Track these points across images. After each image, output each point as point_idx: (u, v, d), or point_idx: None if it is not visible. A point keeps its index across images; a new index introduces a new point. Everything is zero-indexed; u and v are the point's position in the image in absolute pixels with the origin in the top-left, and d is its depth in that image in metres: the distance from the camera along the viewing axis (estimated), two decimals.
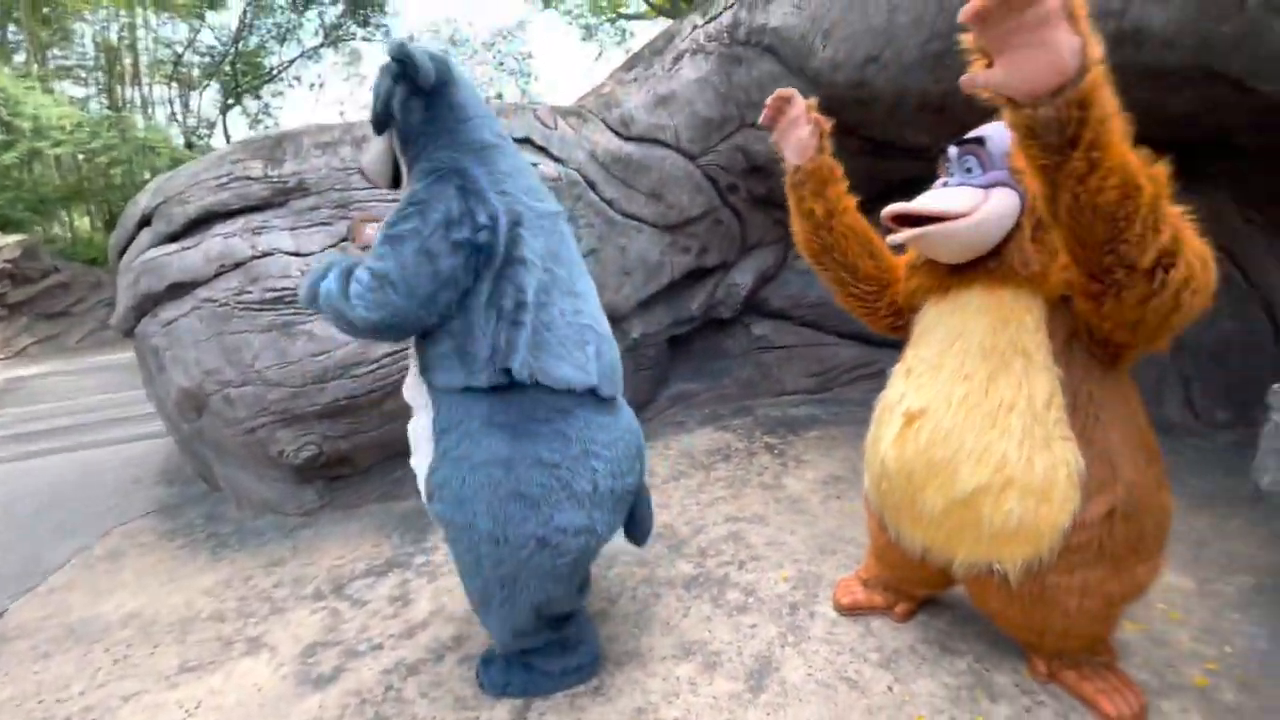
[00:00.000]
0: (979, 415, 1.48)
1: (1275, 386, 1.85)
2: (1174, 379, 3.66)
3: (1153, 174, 1.13)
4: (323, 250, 2.85)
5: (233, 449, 3.10)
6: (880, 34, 3.30)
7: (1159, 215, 1.14)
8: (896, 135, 3.90)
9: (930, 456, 1.53)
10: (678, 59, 3.95)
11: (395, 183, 1.80)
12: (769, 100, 1.77)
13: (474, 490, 1.54)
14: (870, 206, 5.20)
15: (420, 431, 1.71)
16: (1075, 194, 1.14)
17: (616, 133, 3.84)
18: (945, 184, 1.56)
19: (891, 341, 5.26)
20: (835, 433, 4.01)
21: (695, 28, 4.00)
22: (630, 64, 4.21)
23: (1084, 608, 1.56)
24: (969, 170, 1.52)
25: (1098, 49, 1.02)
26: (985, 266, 1.52)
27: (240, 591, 2.59)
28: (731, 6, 3.83)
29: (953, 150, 1.57)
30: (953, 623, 2.07)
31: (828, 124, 1.81)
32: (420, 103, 1.64)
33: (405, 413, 3.17)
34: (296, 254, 2.83)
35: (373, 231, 2.88)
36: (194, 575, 2.75)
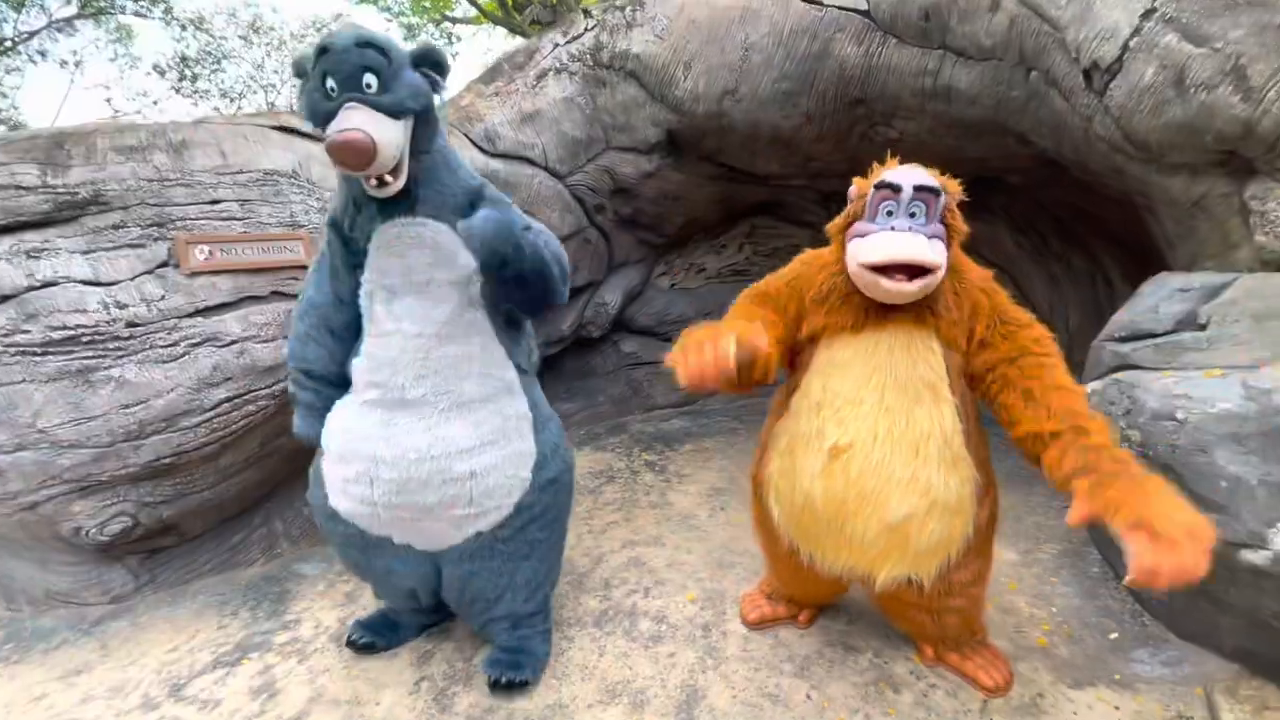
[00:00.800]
0: (904, 445, 1.60)
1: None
2: None
3: None
4: (134, 279, 2.34)
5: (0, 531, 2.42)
6: (735, 70, 3.52)
7: None
8: (748, 164, 4.19)
9: (861, 487, 1.62)
10: (541, 76, 3.87)
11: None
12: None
13: (564, 437, 2.13)
14: (722, 229, 5.47)
15: (511, 415, 1.93)
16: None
17: (481, 149, 3.65)
18: (891, 226, 1.52)
19: None
20: (708, 444, 4.18)
21: (556, 46, 3.95)
22: (489, 77, 4.03)
23: (975, 591, 1.82)
24: (914, 215, 1.53)
25: None
26: (903, 308, 1.62)
27: (30, 718, 2.02)
28: (593, 29, 3.85)
29: (907, 190, 1.53)
30: (849, 622, 2.25)
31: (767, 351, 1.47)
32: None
33: (246, 466, 2.75)
34: (95, 283, 2.28)
35: (201, 255, 2.43)
36: None
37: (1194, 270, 2.32)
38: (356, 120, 1.54)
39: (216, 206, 2.47)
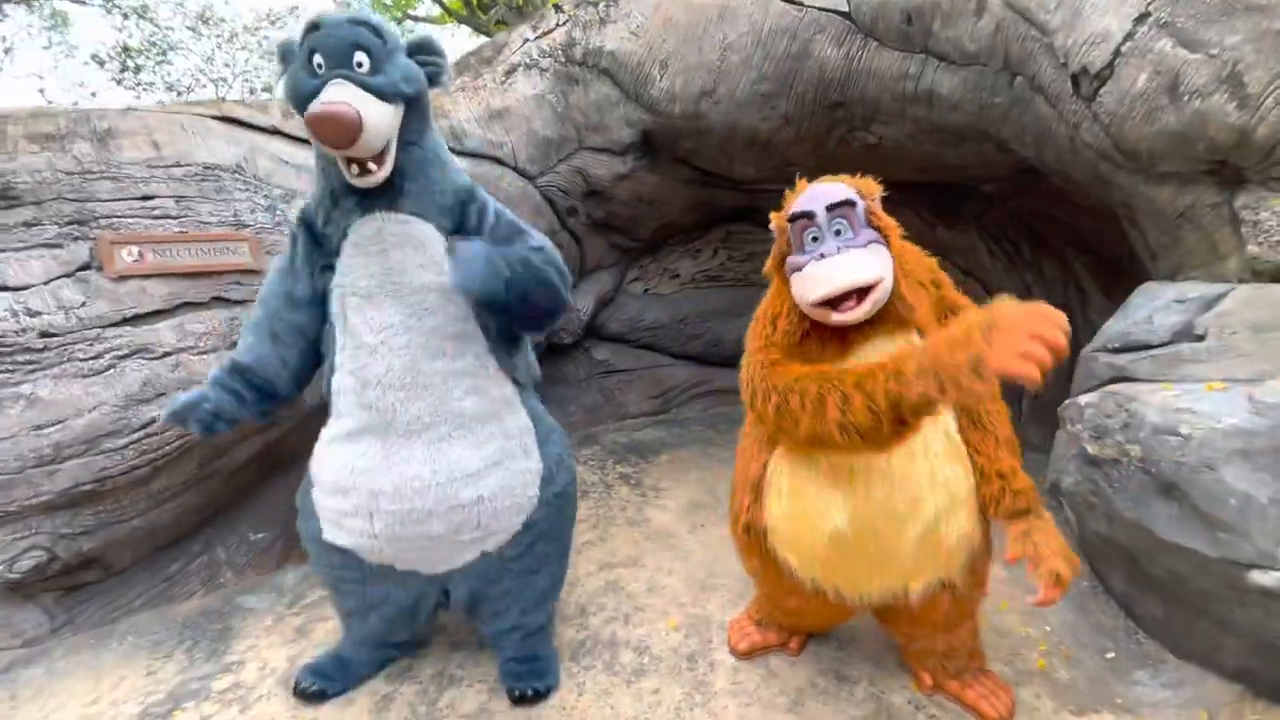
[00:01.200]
0: (917, 448, 1.52)
1: (1067, 401, 2.22)
2: None
3: None
4: (48, 283, 2.07)
5: None
6: (713, 70, 3.41)
7: None
8: (725, 167, 4.09)
9: (891, 506, 1.52)
10: (510, 72, 3.70)
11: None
12: None
13: (567, 446, 2.05)
14: (696, 234, 5.36)
15: (514, 431, 1.84)
16: None
17: (447, 146, 3.45)
18: (821, 253, 1.48)
19: (720, 361, 5.44)
20: (684, 455, 4.05)
21: (526, 41, 3.78)
22: (455, 72, 3.84)
23: (984, 588, 1.75)
24: (839, 232, 1.49)
25: None
26: (878, 316, 1.55)
27: None
28: (565, 25, 3.70)
29: (820, 214, 1.50)
30: (840, 648, 2.13)
31: None
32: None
33: (183, 490, 2.49)
34: (3, 287, 2.01)
35: (130, 257, 2.18)
36: None
37: (1178, 280, 2.29)
38: (340, 94, 1.42)
39: (148, 203, 2.23)
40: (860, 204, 1.52)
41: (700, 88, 3.45)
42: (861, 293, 1.45)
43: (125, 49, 12.68)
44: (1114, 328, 2.17)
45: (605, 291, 4.62)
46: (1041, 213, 3.88)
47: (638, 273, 4.86)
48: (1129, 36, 2.03)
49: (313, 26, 1.52)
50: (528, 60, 3.69)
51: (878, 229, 1.53)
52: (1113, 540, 2.03)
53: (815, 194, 1.55)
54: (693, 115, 3.55)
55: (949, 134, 3.21)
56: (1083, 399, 2.11)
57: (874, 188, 1.60)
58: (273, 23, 15.37)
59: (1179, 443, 1.71)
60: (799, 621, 2.04)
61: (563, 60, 3.66)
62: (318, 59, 1.50)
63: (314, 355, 1.84)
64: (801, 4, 3.16)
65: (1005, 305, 1.20)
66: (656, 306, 4.87)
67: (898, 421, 1.33)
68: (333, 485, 1.75)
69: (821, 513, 1.58)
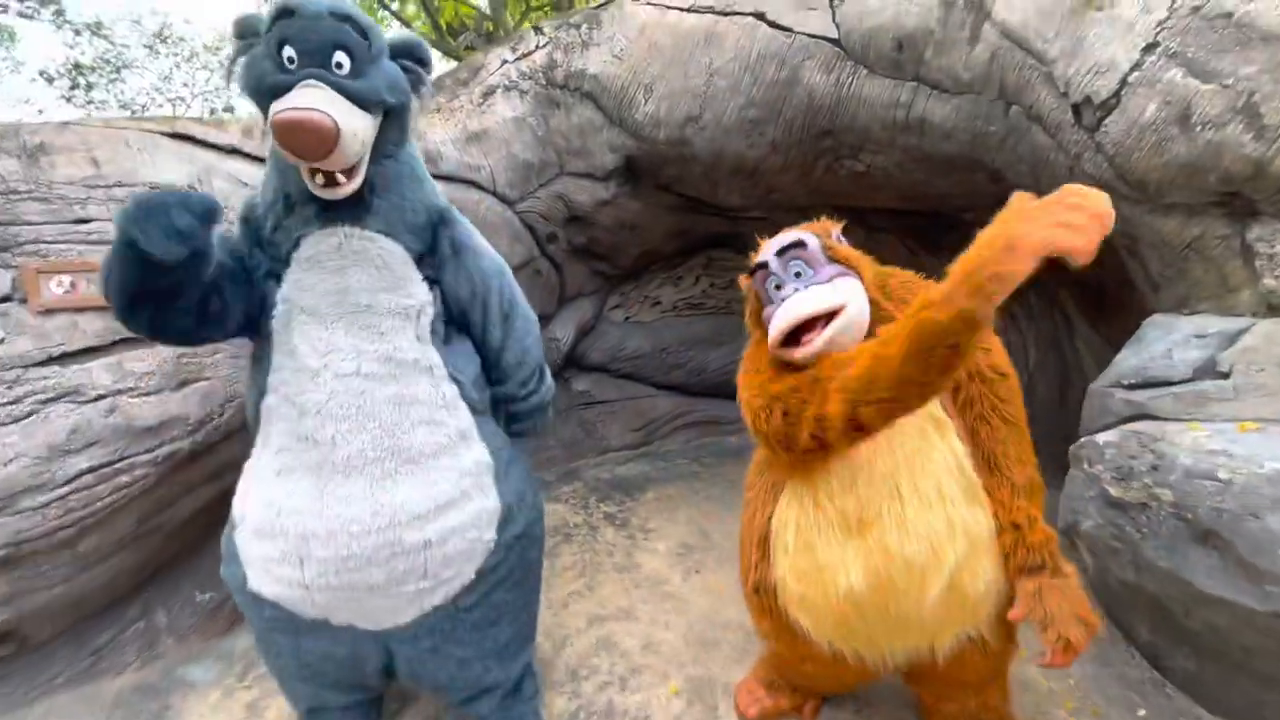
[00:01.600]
0: (930, 490, 1.40)
1: (1083, 439, 2.13)
2: None
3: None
4: None
5: None
6: (700, 96, 3.33)
7: None
8: (709, 194, 4.00)
9: (907, 557, 1.38)
10: (488, 94, 3.55)
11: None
12: None
13: (530, 480, 1.87)
14: (678, 261, 5.24)
15: (469, 468, 1.63)
16: None
17: None
18: (784, 297, 1.49)
19: (703, 391, 5.26)
20: (670, 491, 3.87)
21: (505, 62, 3.65)
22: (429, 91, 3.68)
23: (1014, 641, 1.64)
24: (799, 275, 1.51)
25: None
26: None
27: None
28: (545, 46, 3.58)
29: (774, 261, 1.53)
30: (858, 711, 1.97)
31: None
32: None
33: (118, 549, 2.20)
34: None
35: (59, 288, 1.93)
36: None
37: (1184, 313, 2.24)
38: (316, 99, 1.24)
39: (83, 227, 1.98)
40: (813, 242, 1.53)
41: (686, 113, 3.36)
42: (827, 319, 1.42)
43: (76, 66, 12.22)
44: (1128, 362, 2.09)
45: (586, 320, 4.46)
46: None
47: (618, 300, 4.71)
48: (1136, 66, 1.99)
49: (286, 11, 1.32)
50: (507, 82, 3.56)
51: (841, 262, 1.53)
52: (1140, 589, 1.92)
53: (767, 246, 1.59)
54: (678, 141, 3.45)
55: (940, 163, 3.17)
56: (1101, 438, 2.02)
57: (825, 227, 1.61)
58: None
59: (1217, 488, 1.61)
60: (815, 684, 1.87)
61: (543, 83, 3.53)
62: (289, 52, 1.31)
63: (221, 325, 1.51)
64: (790, 30, 3.10)
65: (1021, 199, 1.07)
66: (638, 335, 4.72)
67: (944, 366, 1.13)
68: (257, 527, 1.51)
69: (833, 567, 1.44)
